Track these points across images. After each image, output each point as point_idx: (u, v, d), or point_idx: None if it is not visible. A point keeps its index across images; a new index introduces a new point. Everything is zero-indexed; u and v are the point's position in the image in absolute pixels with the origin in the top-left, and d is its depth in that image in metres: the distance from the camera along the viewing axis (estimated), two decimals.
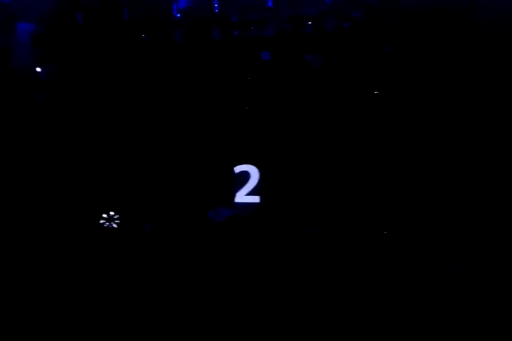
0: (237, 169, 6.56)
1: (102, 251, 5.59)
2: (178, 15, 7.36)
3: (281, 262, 5.18)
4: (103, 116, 7.06)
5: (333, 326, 4.29)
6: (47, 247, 5.63)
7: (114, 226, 6.04)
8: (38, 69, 6.97)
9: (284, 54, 7.24)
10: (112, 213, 6.14)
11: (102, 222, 6.13)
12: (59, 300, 4.82)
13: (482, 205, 5.45)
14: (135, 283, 5.03)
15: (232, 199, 6.31)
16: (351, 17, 7.10)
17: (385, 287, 4.64)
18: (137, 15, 7.25)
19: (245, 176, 6.48)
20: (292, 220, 6.03)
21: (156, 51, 7.33)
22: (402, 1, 6.88)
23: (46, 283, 5.05)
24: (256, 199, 6.36)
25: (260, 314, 4.49)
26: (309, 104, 7.01)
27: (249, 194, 6.43)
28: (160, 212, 6.19)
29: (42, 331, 4.48)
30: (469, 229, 5.25)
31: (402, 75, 6.80)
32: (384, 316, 4.31)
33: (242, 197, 6.38)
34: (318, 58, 7.17)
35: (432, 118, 6.49)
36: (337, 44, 7.07)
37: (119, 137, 6.94)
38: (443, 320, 4.15)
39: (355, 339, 4.20)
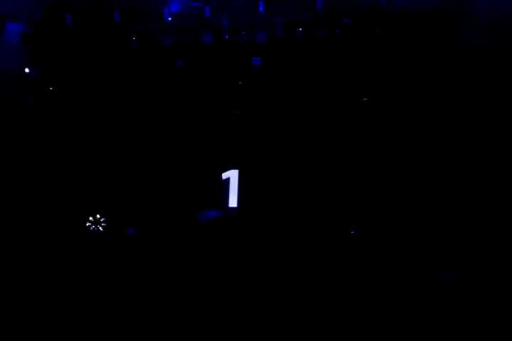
0: (225, 175, 6.56)
1: (89, 253, 5.51)
2: (169, 18, 7.33)
3: (268, 265, 5.15)
4: (91, 118, 7.01)
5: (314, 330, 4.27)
6: (34, 248, 5.56)
7: (100, 229, 5.97)
8: (27, 70, 6.92)
9: (276, 59, 7.25)
10: (98, 216, 6.09)
11: (88, 224, 6.07)
12: (44, 300, 4.75)
13: (470, 216, 5.49)
14: (123, 284, 4.96)
15: (221, 202, 6.30)
16: (342, 23, 7.11)
17: (369, 291, 4.63)
18: (128, 18, 7.20)
19: (231, 181, 6.48)
20: (280, 226, 6.01)
21: (146, 55, 7.29)
22: (393, 9, 6.92)
23: (32, 283, 4.97)
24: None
25: (247, 314, 4.46)
26: (299, 109, 7.02)
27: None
28: (149, 214, 6.14)
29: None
30: (457, 239, 5.27)
31: (392, 81, 6.84)
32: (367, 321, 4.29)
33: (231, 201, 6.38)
34: (309, 64, 7.19)
35: (422, 127, 6.53)
36: (328, 50, 7.09)
37: (107, 140, 6.89)
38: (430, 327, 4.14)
39: None
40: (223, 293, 4.72)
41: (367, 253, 5.34)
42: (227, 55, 7.29)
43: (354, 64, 7.11)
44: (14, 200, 5.99)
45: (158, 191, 6.38)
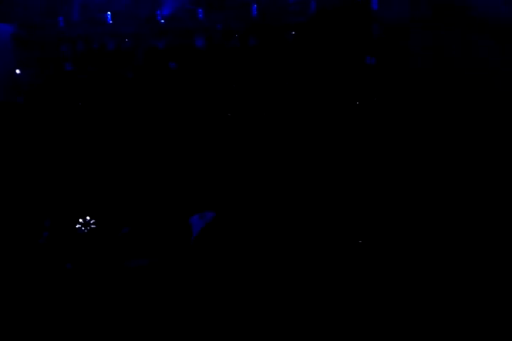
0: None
1: (79, 255, 5.46)
2: (162, 21, 7.32)
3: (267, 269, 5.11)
4: (83, 120, 6.97)
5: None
6: (19, 249, 5.50)
7: (90, 230, 5.91)
8: (18, 71, 6.88)
9: (269, 62, 7.25)
10: (88, 218, 6.02)
11: (78, 226, 6.00)
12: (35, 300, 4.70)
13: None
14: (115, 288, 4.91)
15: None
16: (336, 27, 7.10)
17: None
18: (120, 20, 7.19)
19: None
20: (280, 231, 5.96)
21: (138, 57, 7.28)
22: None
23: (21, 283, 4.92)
24: None
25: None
26: (293, 112, 7.02)
27: None
28: (141, 215, 6.09)
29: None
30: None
31: (387, 85, 6.83)
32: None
33: None
34: (302, 67, 7.19)
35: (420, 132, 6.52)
36: (321, 52, 7.09)
37: (100, 142, 6.85)
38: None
39: None
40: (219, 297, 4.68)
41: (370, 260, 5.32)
42: (220, 57, 7.29)
43: (349, 67, 7.10)
44: (5, 202, 5.94)
45: (151, 191, 6.33)
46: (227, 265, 5.13)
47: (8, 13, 6.75)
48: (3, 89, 6.82)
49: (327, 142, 6.70)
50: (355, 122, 6.72)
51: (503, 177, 5.77)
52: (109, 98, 7.04)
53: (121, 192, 6.30)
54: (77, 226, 5.98)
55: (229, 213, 5.92)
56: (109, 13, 7.05)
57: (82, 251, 5.57)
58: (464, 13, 6.49)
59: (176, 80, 7.29)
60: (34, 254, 5.46)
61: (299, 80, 7.16)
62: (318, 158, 6.60)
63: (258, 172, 6.65)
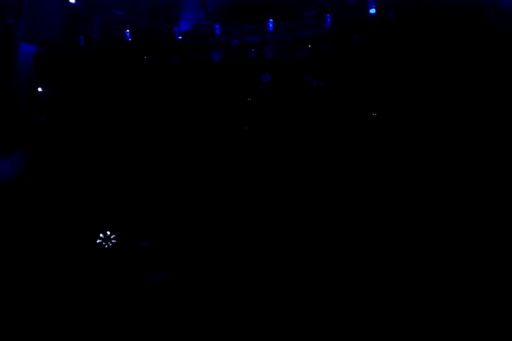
0: None
1: (99, 269, 5.53)
2: (180, 37, 7.43)
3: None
4: (102, 137, 7.10)
5: None
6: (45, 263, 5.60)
7: (110, 245, 5.99)
8: (40, 89, 7.04)
9: (284, 75, 7.29)
10: (108, 233, 6.11)
11: (98, 241, 6.09)
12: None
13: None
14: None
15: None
16: (351, 40, 7.11)
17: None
18: (139, 38, 7.31)
19: None
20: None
21: (156, 72, 7.38)
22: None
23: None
24: None
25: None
26: (308, 123, 7.04)
27: None
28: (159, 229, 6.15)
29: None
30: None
31: (402, 100, 6.80)
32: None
33: None
34: (317, 80, 7.21)
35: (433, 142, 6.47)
36: (336, 66, 7.10)
37: (118, 157, 6.96)
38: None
39: None
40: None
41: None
42: (237, 71, 7.35)
43: (364, 79, 7.10)
44: (27, 220, 6.05)
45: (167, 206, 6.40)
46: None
47: (31, 34, 6.92)
48: (26, 106, 6.99)
49: None
50: None
51: None
52: (128, 114, 7.15)
53: (141, 206, 6.38)
54: (98, 241, 6.06)
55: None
56: (128, 30, 7.17)
57: (102, 265, 5.64)
58: None
59: (193, 95, 7.38)
60: (56, 269, 5.54)
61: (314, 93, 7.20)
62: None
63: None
